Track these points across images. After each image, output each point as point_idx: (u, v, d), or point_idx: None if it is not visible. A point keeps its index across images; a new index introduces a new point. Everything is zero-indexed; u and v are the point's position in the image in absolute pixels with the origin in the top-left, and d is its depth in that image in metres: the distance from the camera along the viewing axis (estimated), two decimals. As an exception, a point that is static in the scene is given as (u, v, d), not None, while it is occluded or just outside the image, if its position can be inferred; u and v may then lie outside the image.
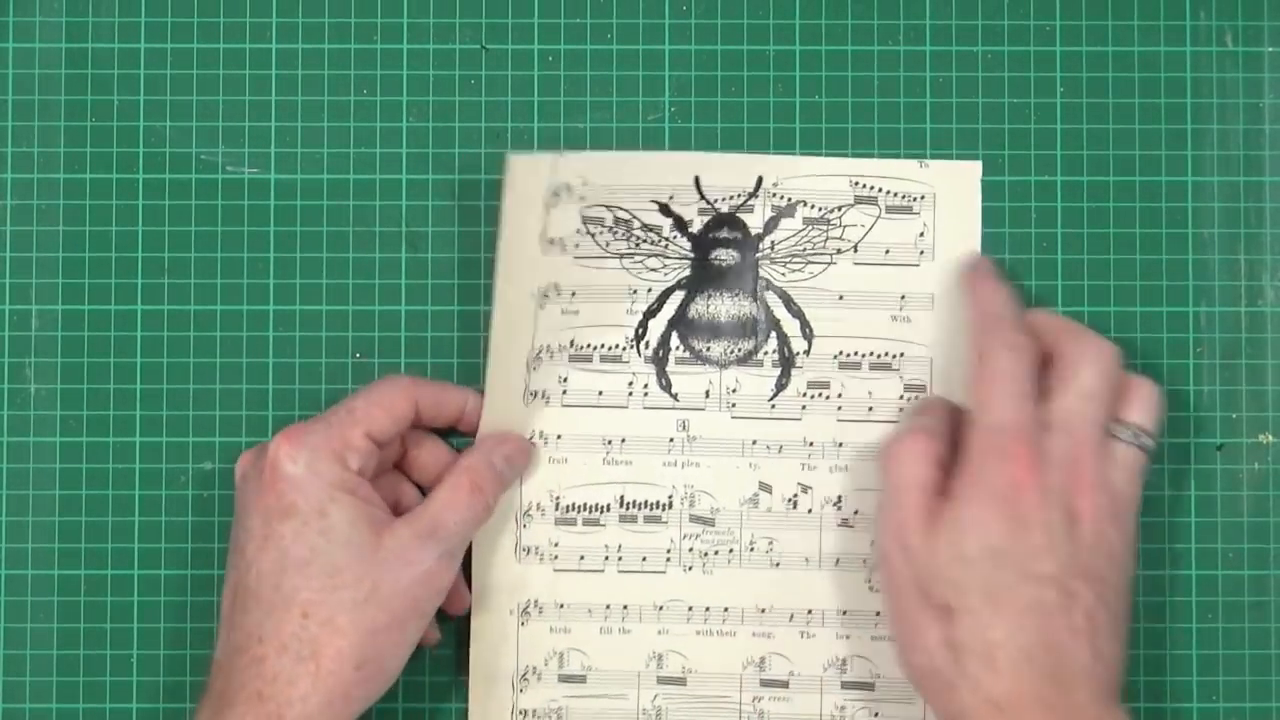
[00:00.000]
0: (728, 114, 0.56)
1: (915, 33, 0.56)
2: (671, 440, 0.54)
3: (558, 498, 0.54)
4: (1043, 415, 0.48)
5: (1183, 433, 0.55)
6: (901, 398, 0.54)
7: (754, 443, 0.54)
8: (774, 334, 0.54)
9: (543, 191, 0.54)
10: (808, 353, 0.54)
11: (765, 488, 0.54)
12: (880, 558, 0.50)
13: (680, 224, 0.54)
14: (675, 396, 0.54)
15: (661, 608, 0.54)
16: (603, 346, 0.54)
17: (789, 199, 0.54)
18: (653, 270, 0.54)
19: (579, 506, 0.54)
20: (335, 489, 0.49)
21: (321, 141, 0.56)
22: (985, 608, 0.46)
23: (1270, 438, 0.55)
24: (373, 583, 0.48)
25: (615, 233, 0.54)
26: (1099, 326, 0.55)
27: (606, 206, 0.54)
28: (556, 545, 0.54)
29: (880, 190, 0.54)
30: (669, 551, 0.54)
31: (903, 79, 0.56)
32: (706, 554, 0.54)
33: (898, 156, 0.55)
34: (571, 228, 0.54)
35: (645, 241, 0.54)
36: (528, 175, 0.54)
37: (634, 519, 0.54)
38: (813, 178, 0.54)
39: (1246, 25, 0.56)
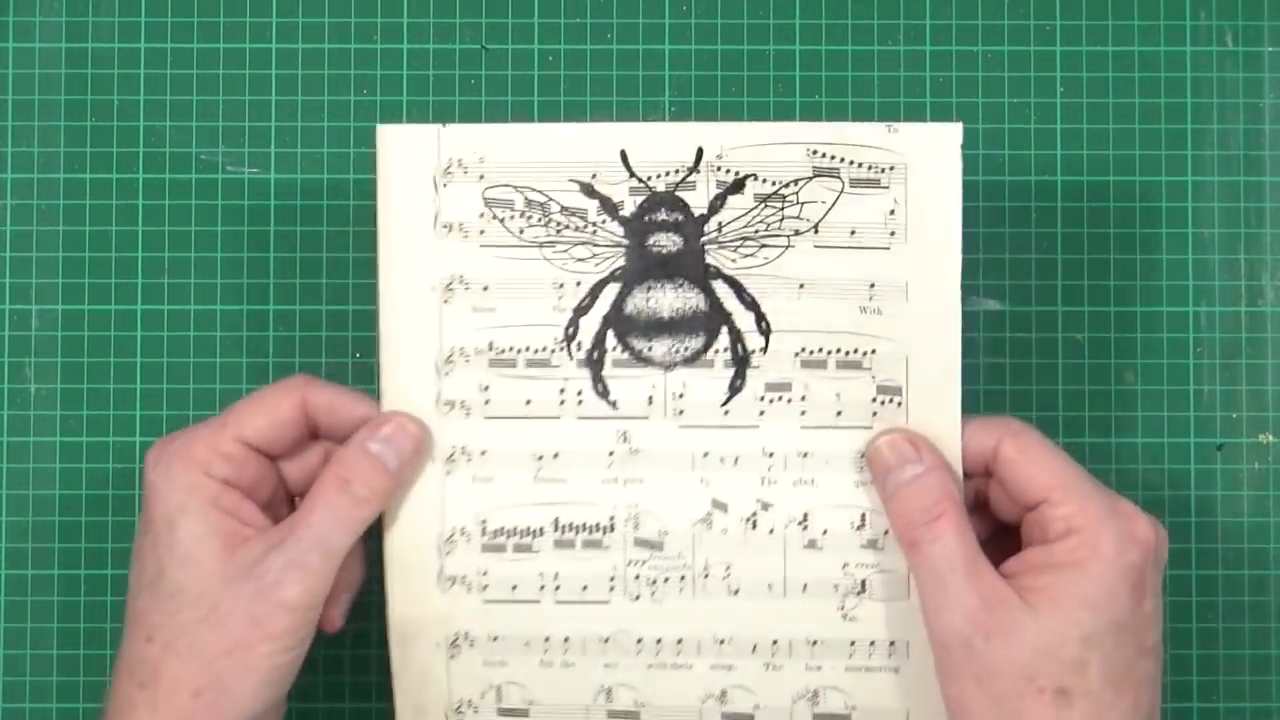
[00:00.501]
0: (728, 114, 0.56)
1: (915, 33, 0.56)
2: (611, 454, 0.48)
3: (484, 521, 0.48)
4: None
5: (1183, 433, 0.55)
6: (874, 400, 0.48)
7: (705, 455, 0.48)
8: (725, 329, 0.48)
9: (430, 168, 0.48)
10: (765, 350, 0.48)
11: (719, 506, 0.48)
12: (946, 648, 0.44)
13: (609, 206, 0.48)
14: (614, 404, 0.48)
15: (607, 640, 0.48)
16: (528, 349, 0.48)
17: (737, 172, 0.47)
18: (580, 260, 0.48)
19: (508, 531, 0.48)
20: (190, 498, 0.45)
21: (321, 141, 0.56)
22: (1106, 689, 0.43)
23: (1270, 438, 0.55)
24: (213, 602, 0.44)
25: (529, 218, 0.48)
26: (1099, 326, 0.55)
27: (514, 187, 0.48)
28: (485, 574, 0.48)
29: (843, 160, 0.47)
30: (612, 579, 0.48)
31: (903, 79, 0.56)
32: (655, 581, 0.48)
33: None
34: (472, 211, 0.48)
35: (568, 227, 0.48)
36: (406, 149, 0.48)
37: (571, 544, 0.48)
38: (763, 146, 0.47)
39: (1246, 25, 0.56)
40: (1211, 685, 0.55)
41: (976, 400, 0.55)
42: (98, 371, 0.55)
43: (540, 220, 0.48)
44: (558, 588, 0.48)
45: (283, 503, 0.49)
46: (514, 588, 0.49)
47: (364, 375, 0.55)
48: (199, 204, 0.56)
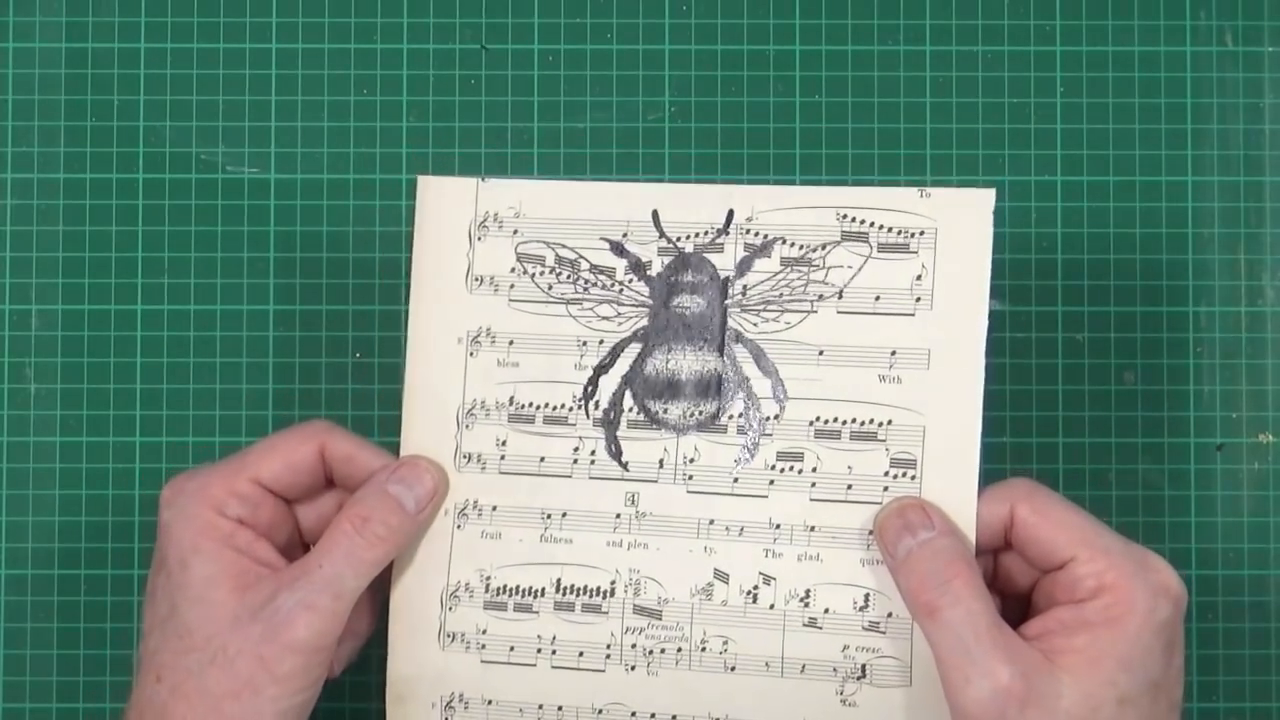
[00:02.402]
0: (728, 114, 0.56)
1: (915, 33, 0.56)
2: (618, 516, 0.47)
3: (488, 578, 0.48)
4: None
5: (1183, 433, 0.55)
6: (887, 474, 0.46)
7: (711, 523, 0.47)
8: (741, 395, 0.47)
9: (467, 221, 0.48)
10: (779, 418, 0.47)
11: (721, 576, 0.47)
12: (973, 717, 0.42)
13: (637, 266, 0.47)
14: (625, 466, 0.47)
15: (601, 711, 0.47)
16: (547, 406, 0.48)
17: (765, 235, 0.47)
18: (605, 319, 0.47)
19: (511, 589, 0.48)
20: (202, 538, 0.45)
21: (321, 141, 0.56)
22: None
23: (1270, 438, 0.55)
24: (221, 644, 0.44)
25: (559, 274, 0.47)
26: (1099, 326, 0.55)
27: (546, 243, 0.47)
28: (484, 633, 0.48)
29: (872, 225, 0.46)
30: (609, 647, 0.47)
31: (903, 79, 0.56)
32: (652, 652, 0.47)
33: (896, 161, 0.55)
34: (504, 265, 0.48)
35: (595, 285, 0.47)
36: (446, 201, 0.48)
37: (571, 606, 0.47)
38: (793, 210, 0.47)
39: (1246, 25, 0.56)
40: (1211, 685, 0.55)
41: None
42: (98, 371, 0.55)
43: (569, 277, 0.47)
44: (554, 651, 0.48)
45: (297, 547, 0.49)
46: (511, 649, 0.48)
47: (364, 374, 0.55)
48: (199, 204, 0.56)
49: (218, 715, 0.43)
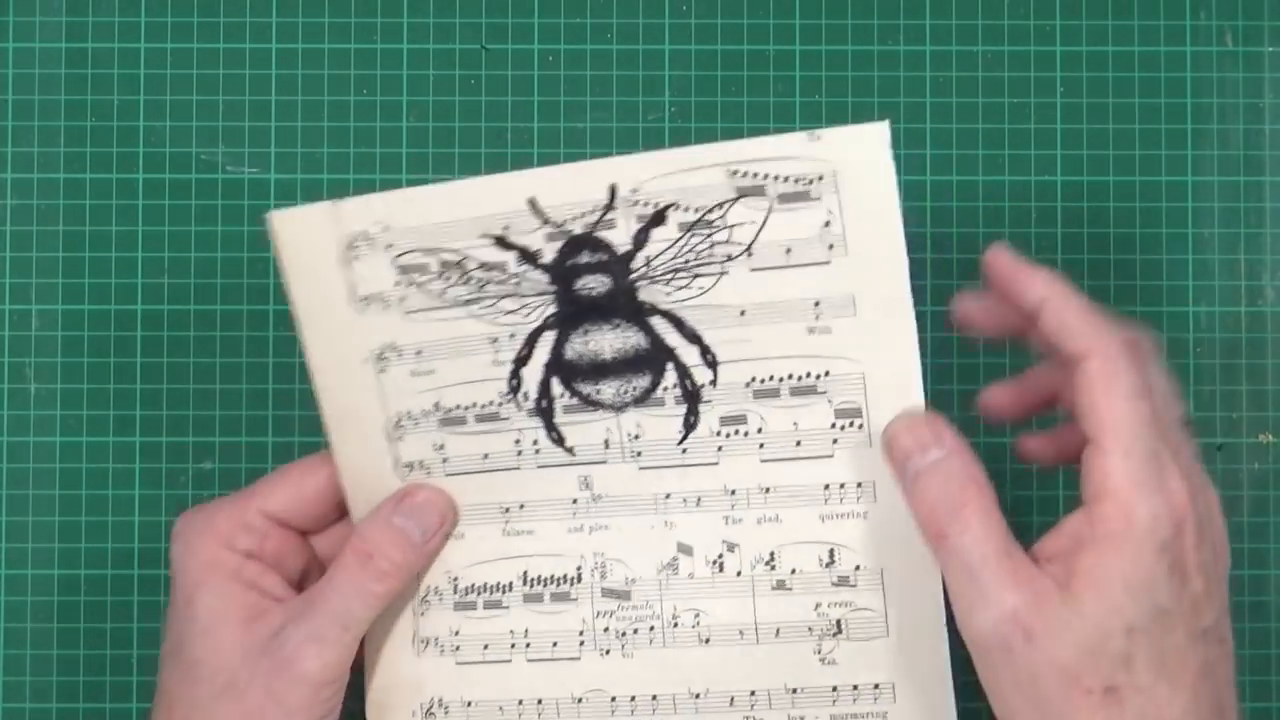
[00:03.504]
0: (728, 114, 0.56)
1: (915, 33, 0.56)
2: (575, 501, 0.46)
3: (455, 579, 0.47)
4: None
5: (1183, 433, 0.55)
6: (834, 426, 0.45)
7: (667, 496, 0.46)
8: (671, 365, 0.45)
9: (333, 246, 0.45)
10: (714, 383, 0.45)
11: (684, 549, 0.46)
12: (983, 651, 0.40)
13: (528, 255, 0.45)
14: (571, 450, 0.46)
15: (581, 700, 0.47)
16: (475, 405, 0.46)
17: (656, 203, 0.44)
18: (510, 312, 0.45)
19: (479, 588, 0.47)
20: (208, 572, 0.45)
21: (321, 141, 0.56)
22: (1159, 682, 0.39)
23: (1270, 438, 0.55)
24: (230, 678, 0.44)
25: (448, 279, 0.45)
26: (1099, 326, 0.55)
27: (424, 250, 0.45)
28: (458, 634, 0.47)
29: (767, 176, 0.43)
30: (582, 634, 0.47)
31: (903, 79, 0.56)
32: (624, 633, 0.46)
33: (896, 161, 0.55)
34: (387, 281, 0.45)
35: (489, 282, 0.45)
36: (306, 232, 0.46)
37: (540, 598, 0.47)
38: (679, 174, 0.44)
39: (1246, 25, 0.56)
40: (1211, 685, 0.55)
41: (976, 400, 0.55)
42: (98, 371, 0.55)
43: (459, 279, 0.45)
44: (528, 645, 0.47)
45: (312, 577, 0.48)
46: (485, 647, 0.47)
47: (364, 375, 0.55)
48: (199, 204, 0.56)
49: None
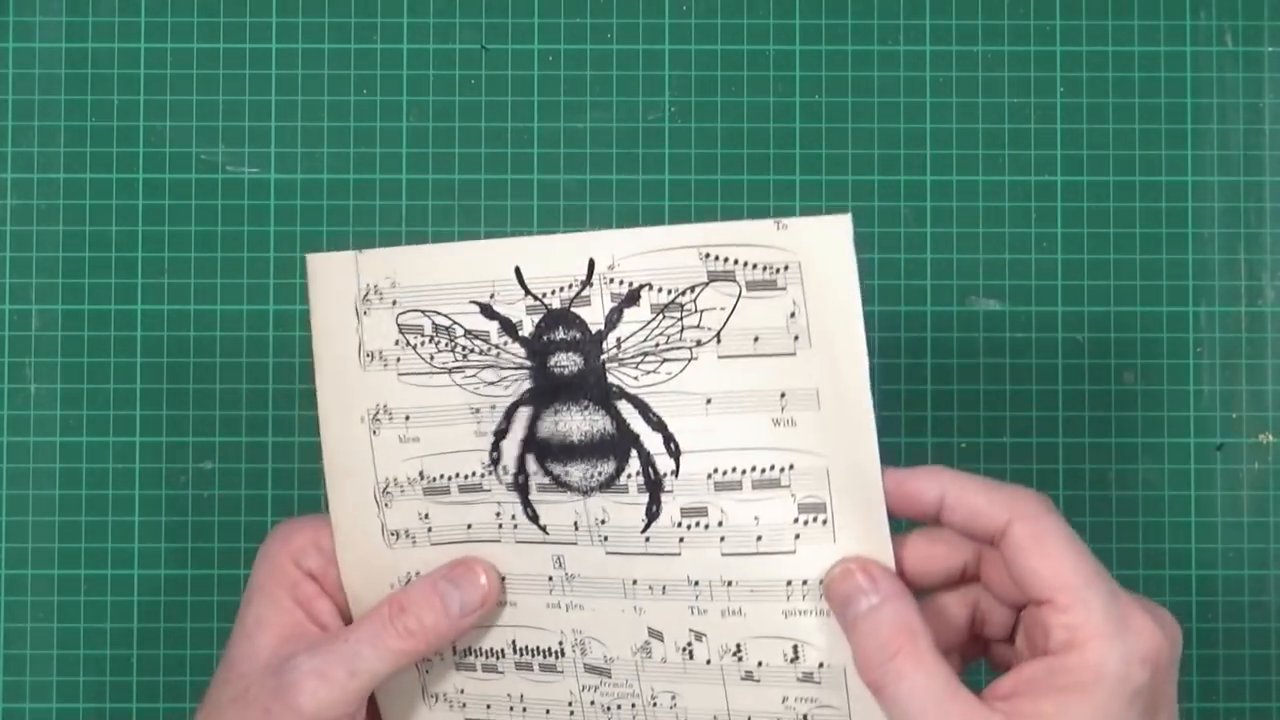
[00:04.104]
0: (728, 114, 0.56)
1: (915, 33, 0.56)
2: (550, 579, 0.46)
3: (454, 642, 0.47)
4: None
5: (1183, 433, 0.55)
6: (796, 520, 0.43)
7: (635, 582, 0.45)
8: (635, 453, 0.44)
9: (351, 296, 0.45)
10: (675, 473, 0.44)
11: (656, 634, 0.45)
12: None
13: (508, 327, 0.44)
14: (544, 529, 0.45)
15: None
16: (458, 475, 0.46)
17: (630, 283, 0.43)
18: (491, 384, 0.45)
19: (477, 651, 0.47)
20: (269, 579, 0.45)
21: (321, 141, 0.56)
22: None
23: (1270, 438, 0.55)
24: (247, 685, 0.44)
25: (438, 343, 0.45)
26: (1099, 326, 0.55)
27: (422, 311, 0.45)
28: (463, 692, 0.47)
29: (737, 263, 0.42)
30: (571, 705, 0.47)
31: (903, 79, 0.56)
32: (610, 708, 0.46)
33: (897, 161, 0.55)
34: (389, 339, 0.45)
35: (473, 351, 0.45)
36: (333, 277, 0.45)
37: (529, 666, 0.47)
38: (654, 254, 0.43)
39: (1246, 25, 0.56)
40: (1211, 685, 0.55)
41: (977, 400, 0.55)
42: (98, 371, 0.55)
43: (447, 345, 0.45)
44: (525, 710, 0.47)
45: None
46: (488, 706, 0.47)
47: (364, 375, 0.55)
48: (199, 204, 0.56)
49: None
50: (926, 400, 0.55)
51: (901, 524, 0.43)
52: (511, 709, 0.47)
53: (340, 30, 0.56)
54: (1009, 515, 0.41)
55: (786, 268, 0.42)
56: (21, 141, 0.56)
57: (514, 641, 0.46)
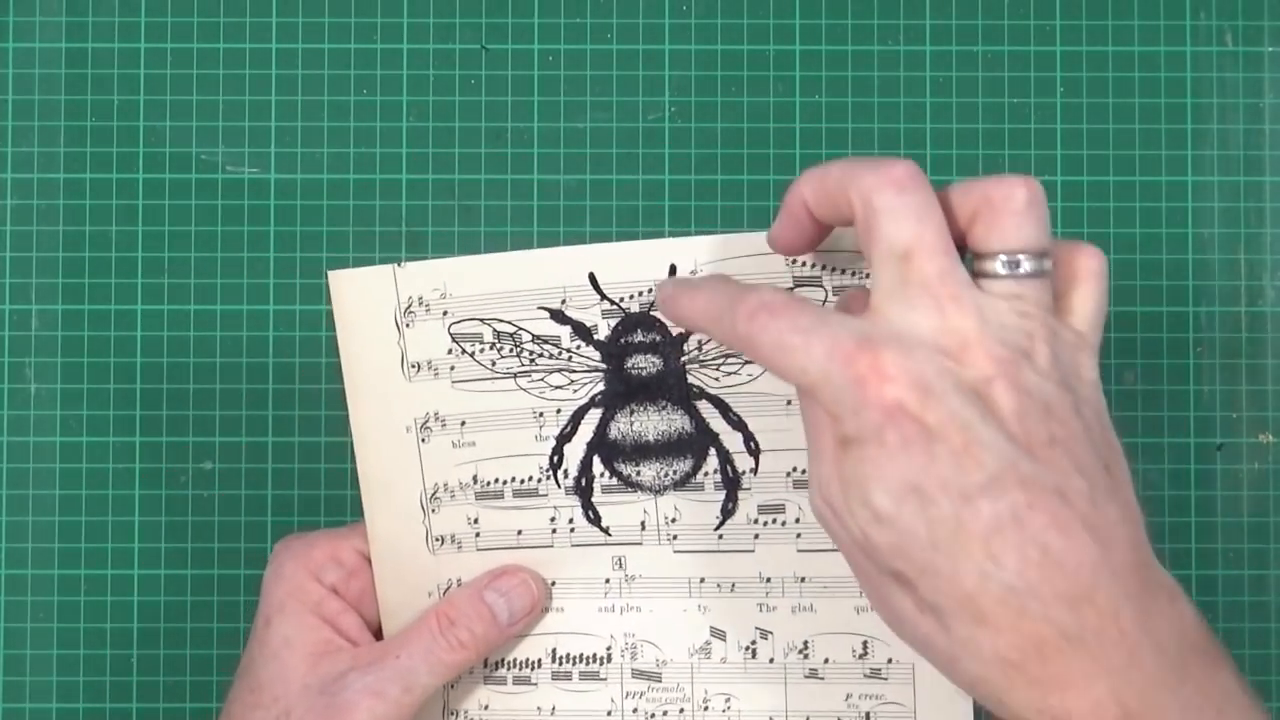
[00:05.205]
0: (728, 114, 0.56)
1: (915, 33, 0.56)
2: (607, 581, 0.46)
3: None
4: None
5: (1183, 433, 0.55)
6: None
7: (702, 581, 0.45)
8: (714, 451, 0.45)
9: (391, 310, 0.45)
10: (755, 471, 0.45)
11: (718, 634, 0.45)
12: (817, 517, 0.38)
13: (582, 331, 0.44)
14: (606, 530, 0.45)
15: None
16: (514, 480, 0.46)
17: None
18: (558, 388, 0.45)
19: (509, 663, 0.47)
20: (290, 598, 0.45)
21: (321, 141, 0.56)
22: (938, 557, 0.35)
23: (1270, 438, 0.55)
24: (286, 707, 0.44)
25: (500, 349, 0.45)
26: (1099, 326, 0.55)
27: (481, 319, 0.45)
28: (486, 708, 0.47)
29: (825, 269, 0.43)
30: (609, 715, 0.46)
31: (903, 79, 0.56)
32: (654, 715, 0.46)
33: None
34: (440, 348, 0.45)
35: (542, 356, 0.45)
36: (365, 293, 0.45)
37: (568, 676, 0.46)
38: (739, 259, 0.43)
39: (1246, 25, 0.56)
40: (1211, 685, 0.55)
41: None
42: (98, 371, 0.55)
43: (512, 351, 0.45)
44: None
45: None
46: None
47: (364, 375, 0.55)
48: (199, 204, 0.56)
49: None
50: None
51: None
52: None
53: (340, 30, 0.56)
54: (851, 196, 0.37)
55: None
56: (21, 141, 0.56)
57: (554, 650, 0.46)
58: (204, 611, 0.55)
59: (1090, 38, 0.56)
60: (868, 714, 0.46)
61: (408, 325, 0.45)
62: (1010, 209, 0.36)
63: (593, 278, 0.44)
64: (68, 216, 0.56)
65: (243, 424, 0.55)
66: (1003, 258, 0.36)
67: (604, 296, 0.44)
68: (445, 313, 0.45)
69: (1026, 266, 0.36)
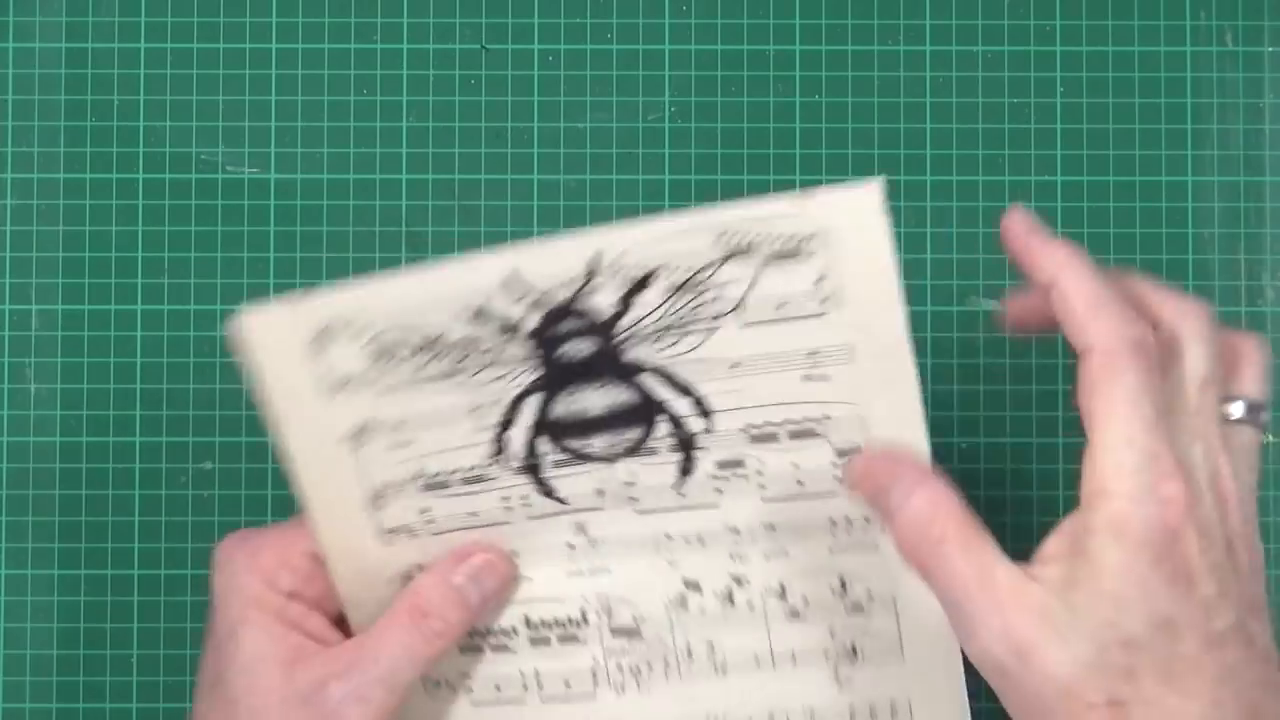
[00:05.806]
0: (728, 114, 0.56)
1: (915, 33, 0.56)
2: (572, 547, 0.45)
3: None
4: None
5: (1183, 433, 0.55)
6: (835, 464, 0.43)
7: (668, 537, 0.45)
8: (661, 417, 0.44)
9: (300, 339, 0.43)
10: (708, 431, 0.44)
11: (692, 585, 0.45)
12: (987, 675, 0.38)
13: (507, 327, 0.43)
14: (563, 501, 0.45)
15: None
16: (459, 470, 0.45)
17: (641, 269, 0.42)
18: (493, 381, 0.44)
19: (481, 632, 0.46)
20: (252, 609, 0.44)
21: (321, 141, 0.56)
22: (1168, 693, 0.36)
23: (1270, 438, 0.55)
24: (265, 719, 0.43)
25: (425, 354, 0.43)
26: (1099, 326, 0.55)
27: (401, 329, 0.43)
28: (467, 676, 0.46)
29: (756, 235, 0.41)
30: (594, 673, 0.46)
31: (903, 79, 0.56)
32: (639, 669, 0.45)
33: (896, 161, 0.55)
34: (360, 364, 0.43)
35: (469, 354, 0.43)
36: (272, 329, 0.43)
37: (546, 640, 0.46)
38: (664, 242, 0.42)
39: (1246, 25, 0.56)
40: (1211, 685, 0.55)
41: (976, 400, 0.55)
42: (98, 371, 0.55)
43: (437, 355, 0.43)
44: (541, 686, 0.46)
45: None
46: (498, 688, 0.46)
47: (364, 375, 0.55)
48: (199, 204, 0.56)
49: None
50: (927, 400, 0.55)
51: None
52: (525, 687, 0.46)
53: (340, 30, 0.56)
54: (1093, 341, 0.39)
55: (813, 236, 0.41)
56: (21, 141, 0.56)
57: (526, 618, 0.46)
58: (204, 611, 0.55)
59: (1090, 38, 0.56)
60: (853, 645, 0.46)
61: (321, 350, 0.43)
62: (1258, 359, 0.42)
63: (516, 273, 0.42)
64: (68, 216, 0.56)
65: (242, 424, 0.55)
66: (1242, 403, 0.41)
67: (528, 290, 0.42)
68: (360, 332, 0.43)
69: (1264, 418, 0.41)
